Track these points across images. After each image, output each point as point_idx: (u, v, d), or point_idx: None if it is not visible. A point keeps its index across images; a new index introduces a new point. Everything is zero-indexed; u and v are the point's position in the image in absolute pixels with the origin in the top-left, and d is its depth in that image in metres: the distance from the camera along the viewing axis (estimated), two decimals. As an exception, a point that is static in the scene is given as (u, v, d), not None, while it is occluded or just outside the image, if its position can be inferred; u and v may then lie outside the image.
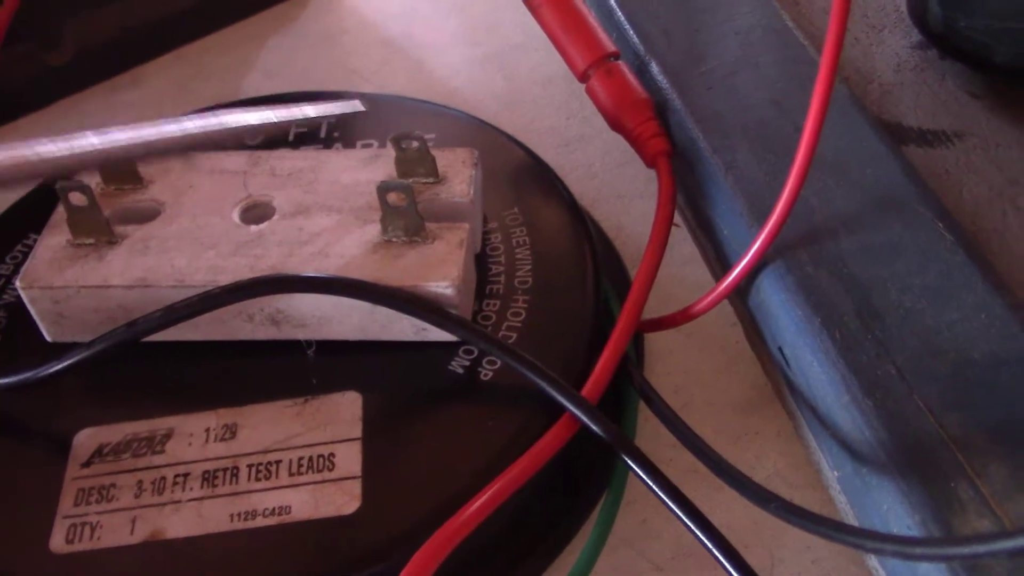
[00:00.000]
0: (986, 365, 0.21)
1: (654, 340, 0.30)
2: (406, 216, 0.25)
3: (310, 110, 0.24)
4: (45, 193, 0.28)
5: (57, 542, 0.23)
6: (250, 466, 0.24)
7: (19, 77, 0.39)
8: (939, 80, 0.30)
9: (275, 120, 0.24)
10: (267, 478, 0.24)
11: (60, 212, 0.27)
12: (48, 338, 0.27)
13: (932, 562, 0.19)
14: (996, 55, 0.28)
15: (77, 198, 0.26)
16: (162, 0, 0.41)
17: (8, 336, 0.27)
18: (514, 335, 0.26)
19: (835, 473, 0.23)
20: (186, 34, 0.43)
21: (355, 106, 0.25)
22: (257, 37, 0.43)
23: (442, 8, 0.44)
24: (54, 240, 0.26)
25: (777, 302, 0.24)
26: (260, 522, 0.23)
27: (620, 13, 0.32)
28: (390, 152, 0.28)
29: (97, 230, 0.26)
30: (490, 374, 0.25)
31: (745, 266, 0.24)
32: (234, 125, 0.24)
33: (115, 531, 0.23)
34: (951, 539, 0.18)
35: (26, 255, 0.29)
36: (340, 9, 0.44)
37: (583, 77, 0.30)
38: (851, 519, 0.23)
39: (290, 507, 0.23)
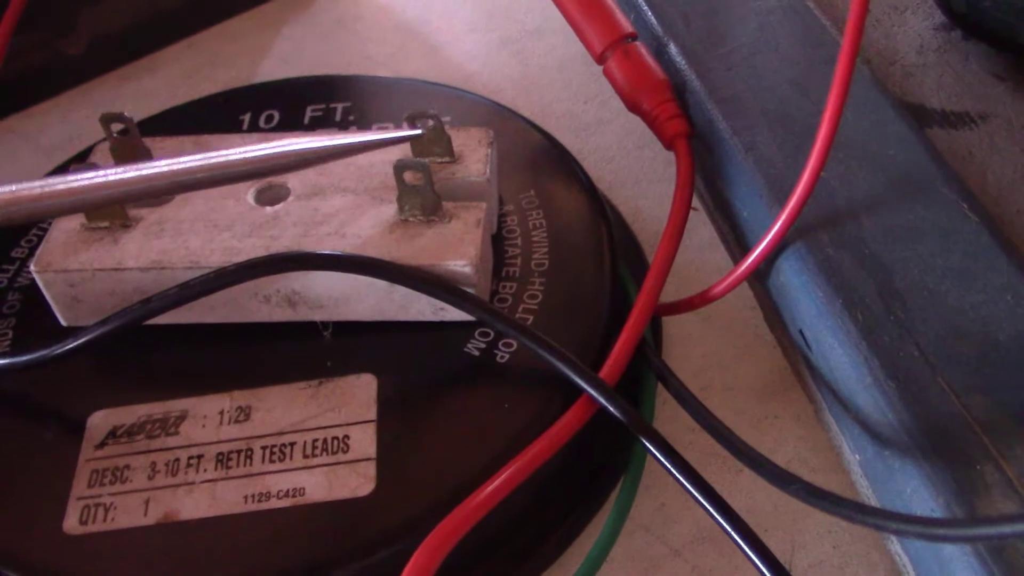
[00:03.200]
0: (1011, 347, 0.21)
1: (672, 324, 0.29)
2: (423, 195, 0.25)
3: (371, 136, 0.25)
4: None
5: (71, 523, 0.23)
6: (264, 448, 0.24)
7: (34, 64, 0.39)
8: (962, 61, 0.29)
9: (337, 144, 0.24)
10: (281, 460, 0.24)
11: (74, 194, 0.27)
12: (63, 322, 0.27)
13: (956, 543, 0.19)
14: (1020, 35, 0.28)
15: (91, 179, 0.26)
16: (176, -13, 0.41)
17: (22, 320, 0.27)
18: (531, 317, 0.26)
19: (857, 457, 0.23)
20: (200, 21, 0.42)
21: (415, 132, 0.25)
22: (271, 24, 0.43)
23: (457, -7, 0.44)
24: (68, 223, 0.26)
25: (798, 284, 0.24)
26: (274, 504, 0.23)
27: (638, -5, 0.32)
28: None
29: (111, 213, 0.26)
30: (506, 356, 0.25)
31: (765, 248, 0.24)
32: (298, 149, 0.24)
33: (129, 512, 0.23)
34: (975, 520, 0.18)
35: (40, 238, 0.29)
36: (355, -6, 0.44)
37: (600, 59, 0.30)
38: (873, 503, 0.23)
39: (304, 489, 0.23)
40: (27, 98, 0.40)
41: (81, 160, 0.29)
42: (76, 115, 0.39)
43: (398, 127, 0.31)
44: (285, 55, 0.41)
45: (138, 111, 0.34)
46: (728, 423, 0.24)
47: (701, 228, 0.31)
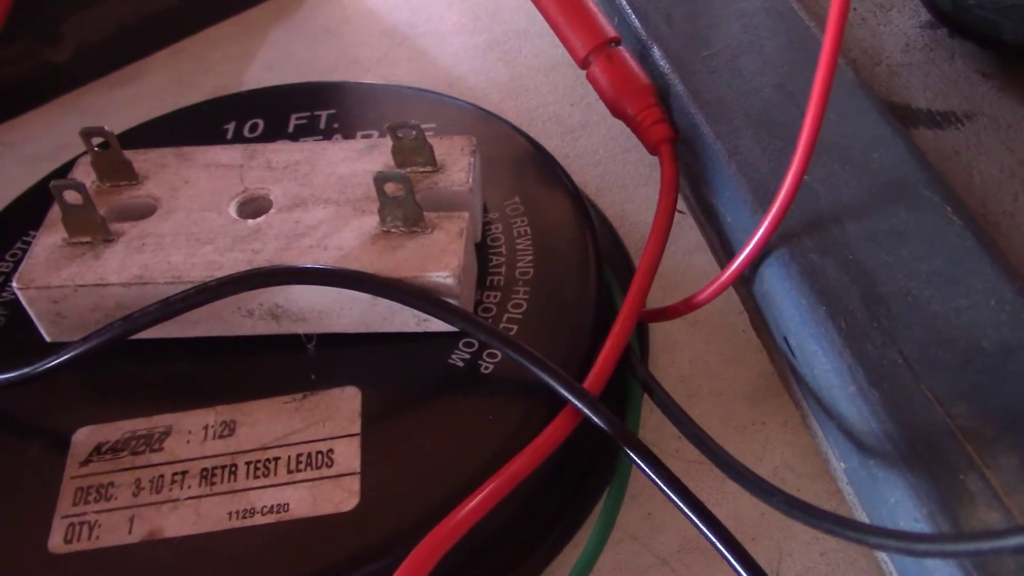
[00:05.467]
0: (995, 353, 0.21)
1: (659, 330, 0.29)
2: (404, 206, 0.25)
3: None
4: (44, 190, 0.28)
5: (56, 542, 0.23)
6: (248, 463, 0.24)
7: (19, 73, 0.39)
8: (948, 60, 0.29)
9: None
10: (265, 475, 0.23)
11: (55, 211, 0.26)
12: (47, 338, 0.26)
13: (937, 559, 0.18)
14: (1006, 32, 0.28)
15: (72, 196, 0.26)
16: (161, -6, 0.41)
17: (6, 336, 0.27)
18: (515, 327, 0.26)
19: (842, 465, 0.23)
20: (185, 28, 0.42)
21: None
22: (257, 30, 0.43)
23: (443, -5, 0.43)
24: (50, 239, 0.26)
25: (781, 291, 0.24)
26: (258, 520, 0.23)
27: (621, -3, 0.32)
28: (387, 141, 0.27)
29: (93, 228, 0.26)
30: (490, 367, 0.25)
31: (749, 254, 0.24)
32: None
33: (114, 530, 0.23)
34: (957, 535, 0.18)
35: (26, 252, 0.28)
36: (341, -1, 0.44)
37: (584, 64, 0.30)
38: (859, 511, 0.23)
39: (288, 504, 0.23)
40: (13, 107, 0.40)
41: (62, 175, 0.29)
42: (62, 124, 0.39)
43: (382, 135, 0.31)
44: (271, 61, 0.41)
45: (124, 119, 0.34)
46: (715, 430, 0.24)
47: (687, 232, 0.31)
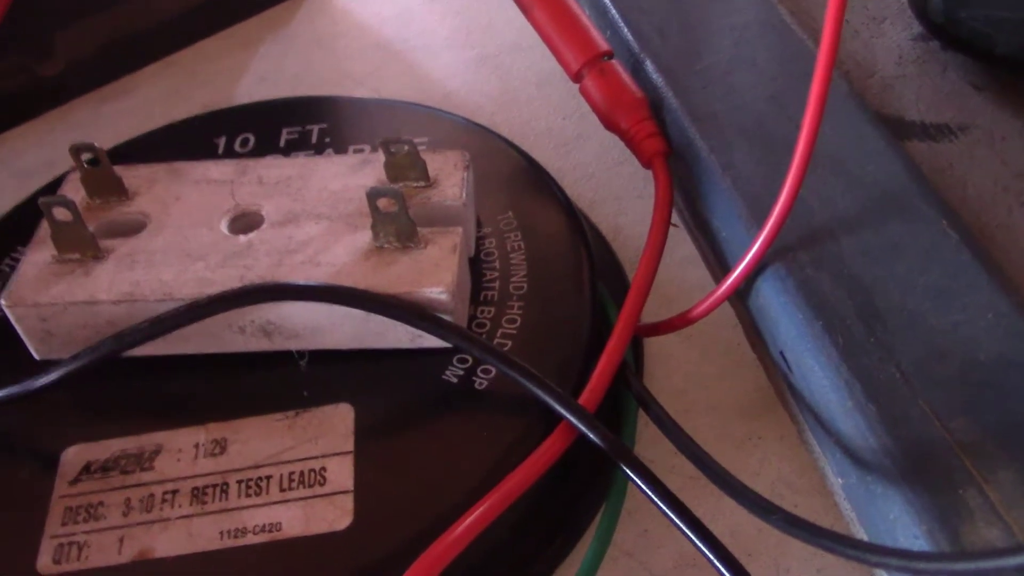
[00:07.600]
0: (993, 367, 0.21)
1: (654, 344, 0.29)
2: (397, 222, 0.25)
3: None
4: (33, 206, 0.28)
5: (44, 563, 0.22)
6: (240, 482, 0.23)
7: (10, 88, 0.39)
8: (941, 72, 0.29)
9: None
10: (257, 494, 0.23)
11: (44, 228, 0.26)
12: (36, 356, 0.26)
13: (939, 576, 0.18)
14: (998, 45, 0.28)
15: (61, 213, 0.25)
16: (152, 7, 0.41)
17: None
18: (509, 343, 0.25)
19: (840, 481, 0.23)
20: (177, 41, 0.42)
21: None
22: (249, 42, 0.43)
23: (436, 10, 0.43)
24: (39, 256, 0.26)
25: (777, 305, 0.24)
26: (250, 539, 0.22)
27: (614, 10, 0.31)
28: (379, 156, 0.27)
29: (82, 245, 0.26)
30: (485, 383, 0.25)
31: (744, 269, 0.24)
32: None
33: (103, 551, 0.23)
34: (959, 554, 0.18)
35: (14, 269, 0.28)
36: (333, 12, 0.44)
37: (577, 78, 0.29)
38: (856, 527, 0.23)
39: (281, 524, 0.23)
40: (2, 122, 0.39)
41: (52, 190, 0.29)
42: (52, 138, 0.39)
43: (374, 149, 0.31)
44: (263, 74, 0.41)
45: (115, 132, 0.34)
46: (711, 445, 0.24)
47: (681, 245, 0.31)
